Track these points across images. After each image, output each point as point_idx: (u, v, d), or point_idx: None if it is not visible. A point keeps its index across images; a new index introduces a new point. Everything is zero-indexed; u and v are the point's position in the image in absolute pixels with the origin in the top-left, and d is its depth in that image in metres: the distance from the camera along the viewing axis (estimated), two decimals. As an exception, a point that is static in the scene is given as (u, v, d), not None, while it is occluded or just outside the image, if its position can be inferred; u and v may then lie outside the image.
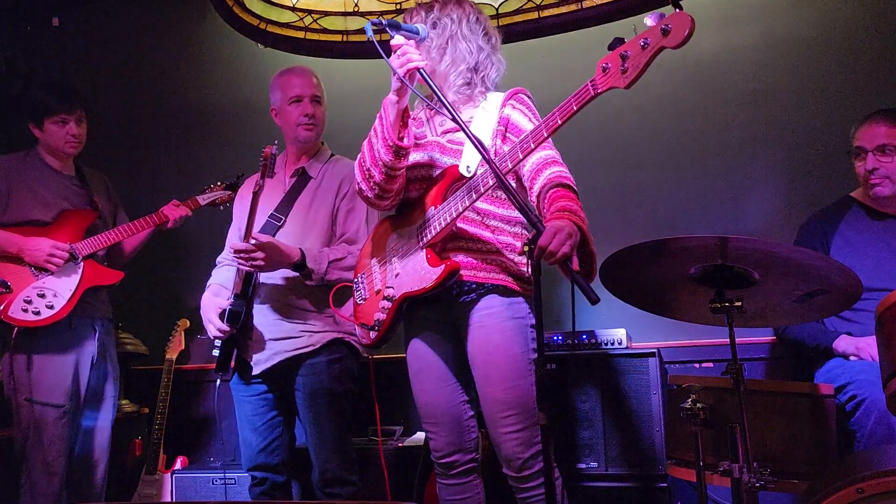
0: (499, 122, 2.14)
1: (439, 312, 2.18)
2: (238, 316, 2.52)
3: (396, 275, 2.15)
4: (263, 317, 2.58)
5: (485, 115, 2.15)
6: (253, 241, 2.44)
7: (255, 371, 2.57)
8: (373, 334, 2.19)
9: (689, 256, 1.88)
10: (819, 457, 2.05)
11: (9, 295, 2.72)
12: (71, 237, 2.89)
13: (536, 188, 2.05)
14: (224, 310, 2.54)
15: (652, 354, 2.75)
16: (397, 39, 1.98)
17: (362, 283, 2.29)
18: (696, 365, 3.14)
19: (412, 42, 1.99)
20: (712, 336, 2.97)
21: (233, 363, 2.59)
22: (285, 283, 2.58)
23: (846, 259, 2.56)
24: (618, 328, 2.91)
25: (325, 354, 2.56)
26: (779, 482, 1.97)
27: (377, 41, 1.92)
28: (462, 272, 2.07)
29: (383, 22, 1.94)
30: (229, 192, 3.03)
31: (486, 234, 2.12)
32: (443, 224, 2.05)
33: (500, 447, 2.09)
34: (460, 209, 2.01)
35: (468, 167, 2.05)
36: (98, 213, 3.01)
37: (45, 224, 2.89)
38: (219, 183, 3.06)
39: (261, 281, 2.59)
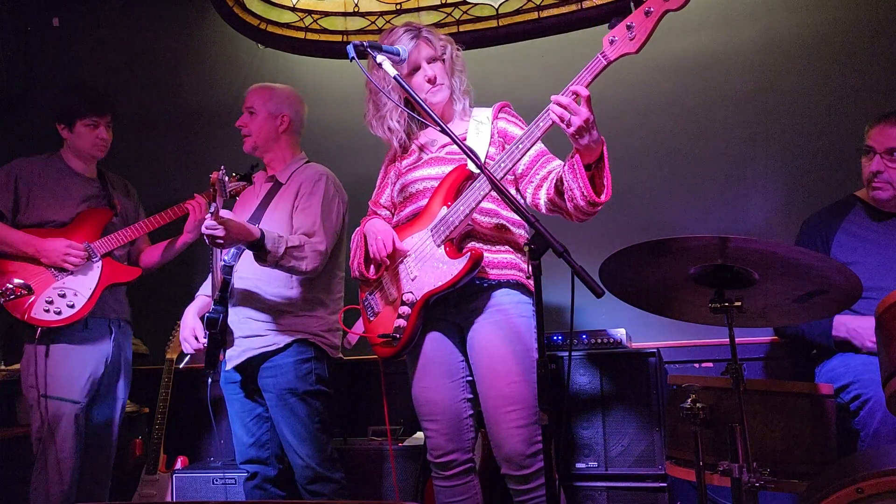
0: (497, 133, 2.24)
1: (445, 312, 2.20)
2: (215, 322, 2.60)
3: (414, 279, 2.17)
4: (235, 315, 2.67)
5: (480, 126, 2.24)
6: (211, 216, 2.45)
7: (227, 366, 2.66)
8: (395, 343, 2.19)
9: (689, 256, 1.88)
10: (819, 457, 2.05)
11: (31, 297, 2.78)
12: (88, 236, 2.94)
13: (550, 176, 2.11)
14: (203, 316, 2.65)
15: (652, 354, 2.76)
16: (381, 59, 2.04)
17: (372, 300, 2.32)
18: (696, 365, 3.14)
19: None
20: (712, 336, 2.97)
21: (222, 357, 2.67)
22: (256, 286, 2.67)
23: (847, 257, 2.56)
24: (618, 328, 2.92)
25: (292, 355, 2.62)
26: (778, 482, 1.98)
27: (380, 48, 2.07)
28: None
29: (365, 44, 2.02)
30: (244, 183, 3.00)
31: (495, 233, 2.19)
32: (461, 217, 2.09)
33: (501, 445, 2.09)
34: (479, 198, 2.06)
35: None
36: (115, 212, 3.04)
37: (62, 224, 2.93)
38: (234, 174, 3.05)
39: (235, 285, 2.68)
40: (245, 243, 2.46)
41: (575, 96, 1.86)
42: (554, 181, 2.08)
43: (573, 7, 3.39)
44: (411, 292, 2.17)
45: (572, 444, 2.76)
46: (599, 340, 2.90)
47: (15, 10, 4.06)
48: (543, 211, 2.15)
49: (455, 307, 2.19)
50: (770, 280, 1.89)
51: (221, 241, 2.39)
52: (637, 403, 2.73)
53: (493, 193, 2.10)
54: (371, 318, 2.31)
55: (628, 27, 1.83)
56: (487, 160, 2.14)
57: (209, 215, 2.35)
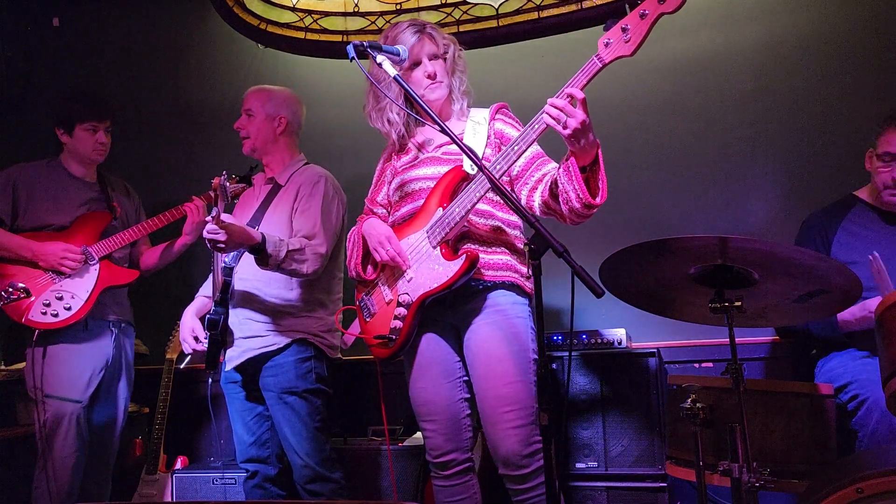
0: (494, 135, 2.23)
1: (441, 313, 2.20)
2: (216, 324, 2.61)
3: (410, 280, 2.17)
4: (236, 317, 2.68)
5: (477, 127, 2.24)
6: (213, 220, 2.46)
7: (227, 367, 2.67)
8: (391, 344, 2.19)
9: (689, 256, 1.88)
10: (819, 457, 2.05)
11: (29, 300, 2.81)
12: (86, 240, 2.95)
13: (545, 179, 2.11)
14: (204, 317, 2.66)
15: (652, 354, 2.76)
16: (381, 59, 2.03)
17: (368, 300, 2.31)
18: (696, 365, 3.14)
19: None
20: (712, 336, 2.97)
21: (222, 358, 2.68)
22: (256, 287, 2.68)
23: (847, 257, 2.56)
24: (618, 328, 2.91)
25: (292, 354, 2.63)
26: (778, 482, 1.97)
27: (380, 48, 2.06)
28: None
29: (365, 44, 2.02)
30: (243, 185, 2.99)
31: (490, 235, 2.18)
32: (457, 219, 2.09)
33: (498, 446, 2.09)
34: (474, 200, 2.06)
35: (472, 166, 2.10)
36: (113, 216, 3.05)
37: (61, 228, 2.95)
38: (234, 176, 3.05)
39: (235, 286, 2.69)
40: (246, 247, 2.47)
41: (570, 99, 1.86)
42: (549, 184, 2.08)
43: (573, 7, 3.39)
44: (407, 293, 2.16)
45: (572, 444, 2.76)
46: (599, 340, 2.90)
47: (15, 10, 4.06)
48: (537, 213, 2.15)
49: (451, 308, 2.18)
50: (770, 280, 1.89)
51: (223, 246, 2.40)
52: (637, 403, 2.73)
53: (489, 195, 2.11)
54: (367, 319, 2.30)
55: (623, 29, 1.83)
56: (483, 161, 2.14)
57: (210, 218, 2.36)
